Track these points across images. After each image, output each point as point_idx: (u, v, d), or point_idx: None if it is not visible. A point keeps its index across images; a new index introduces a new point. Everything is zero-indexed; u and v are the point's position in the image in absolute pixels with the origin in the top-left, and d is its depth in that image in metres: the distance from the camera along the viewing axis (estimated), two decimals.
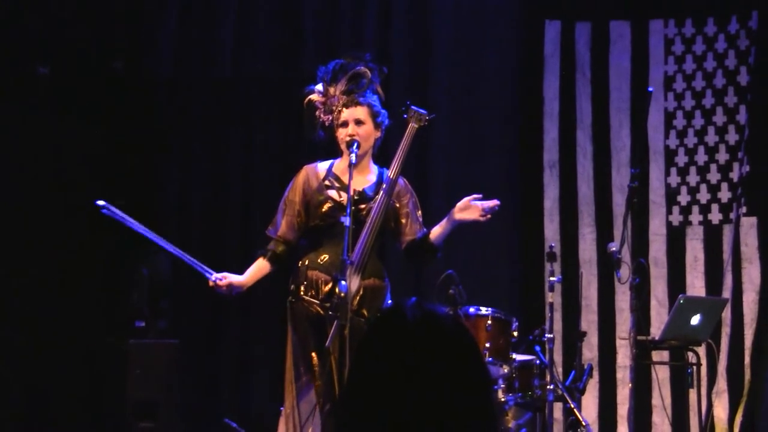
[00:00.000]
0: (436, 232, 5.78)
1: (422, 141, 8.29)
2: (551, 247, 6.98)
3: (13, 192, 8.04)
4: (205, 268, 5.79)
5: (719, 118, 8.37)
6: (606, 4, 8.64)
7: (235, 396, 8.38)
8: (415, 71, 8.58)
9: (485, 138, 8.55)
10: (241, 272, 5.87)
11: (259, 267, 5.84)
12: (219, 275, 5.77)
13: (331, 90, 5.80)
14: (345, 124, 5.74)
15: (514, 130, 8.64)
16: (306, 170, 5.88)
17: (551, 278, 6.82)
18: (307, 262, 5.71)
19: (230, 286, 5.79)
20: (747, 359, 8.05)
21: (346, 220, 5.42)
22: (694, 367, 7.34)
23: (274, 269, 5.84)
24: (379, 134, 5.83)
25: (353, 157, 5.60)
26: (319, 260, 5.68)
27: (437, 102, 8.37)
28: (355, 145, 5.65)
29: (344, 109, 5.75)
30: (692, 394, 7.54)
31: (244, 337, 8.39)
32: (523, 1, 8.66)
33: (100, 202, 5.70)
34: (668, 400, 8.04)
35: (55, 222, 8.12)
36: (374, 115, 5.78)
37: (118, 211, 5.71)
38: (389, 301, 5.73)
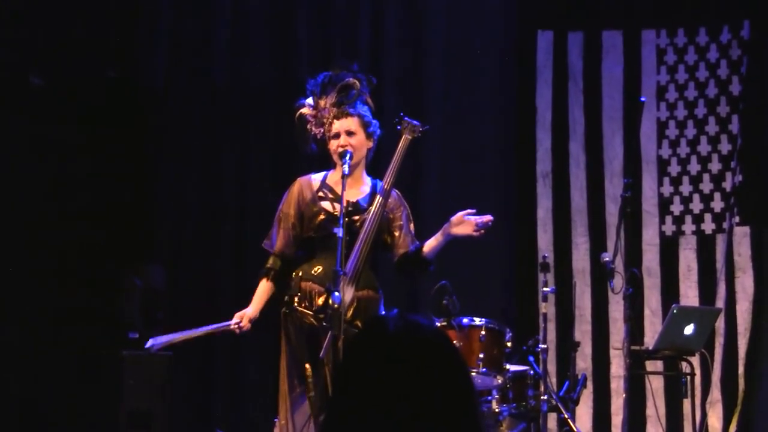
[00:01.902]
0: (430, 245, 5.78)
1: (416, 151, 8.29)
2: (544, 257, 6.97)
3: (2, 201, 8.04)
4: (224, 323, 5.80)
5: (712, 127, 8.38)
6: (598, 14, 8.65)
7: (229, 407, 8.37)
8: (408, 82, 8.58)
9: (479, 148, 8.55)
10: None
11: (264, 291, 5.84)
12: (236, 319, 5.77)
13: (321, 102, 5.81)
14: (337, 135, 5.75)
15: (507, 140, 8.64)
16: (299, 182, 5.88)
17: (544, 288, 6.81)
18: (300, 274, 5.72)
19: (249, 321, 5.79)
20: (741, 369, 8.05)
21: (339, 231, 5.43)
22: (688, 377, 7.32)
23: (277, 287, 5.83)
24: (371, 144, 5.83)
25: (346, 167, 5.61)
26: (312, 272, 5.68)
27: (430, 112, 8.37)
28: (348, 155, 5.66)
29: (335, 120, 5.75)
30: (686, 404, 7.55)
31: (238, 348, 8.38)
32: (516, 11, 8.66)
33: (148, 345, 5.78)
34: (662, 410, 8.04)
35: (48, 232, 8.10)
36: (365, 125, 5.79)
37: (163, 340, 5.82)
38: (382, 312, 5.74)
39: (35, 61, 8.26)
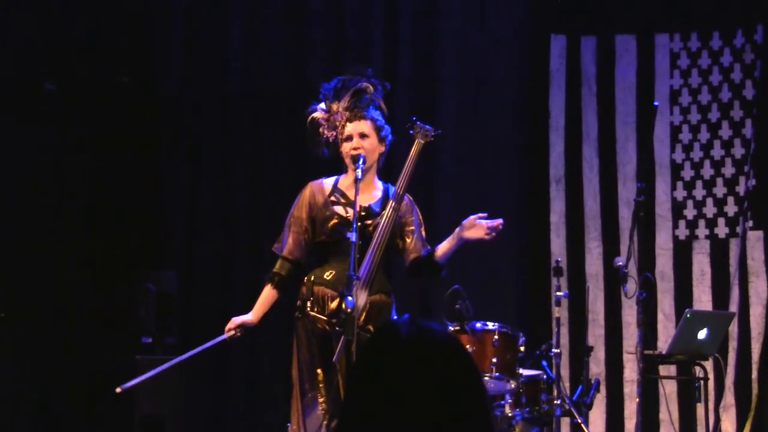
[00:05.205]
0: (442, 249, 5.78)
1: (429, 156, 8.29)
2: (557, 261, 6.96)
3: (19, 207, 8.07)
4: (217, 339, 5.79)
5: (725, 131, 8.37)
6: (611, 19, 8.64)
7: (243, 412, 8.38)
8: (421, 86, 8.59)
9: (491, 152, 8.55)
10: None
11: (267, 297, 5.83)
12: (229, 333, 5.78)
13: (334, 106, 5.81)
14: (349, 138, 5.76)
15: (520, 144, 8.64)
16: (311, 186, 5.88)
17: (558, 293, 6.79)
18: (313, 278, 5.71)
19: (241, 327, 5.78)
20: (754, 373, 8.03)
21: (353, 236, 5.42)
22: (702, 382, 7.33)
23: (281, 295, 5.83)
24: (383, 149, 5.83)
25: (359, 172, 5.61)
26: (325, 276, 5.68)
27: (443, 116, 8.38)
28: (361, 160, 5.67)
29: (348, 123, 5.76)
30: (700, 409, 7.53)
31: (251, 352, 8.39)
32: (529, 15, 8.67)
33: (118, 390, 5.79)
34: (676, 415, 8.03)
35: (61, 238, 8.13)
36: (378, 129, 5.79)
37: (134, 381, 5.85)
38: (394, 317, 5.74)
39: (50, 67, 8.29)
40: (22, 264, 8.01)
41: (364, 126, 5.76)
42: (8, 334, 7.87)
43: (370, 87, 5.83)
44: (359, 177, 5.60)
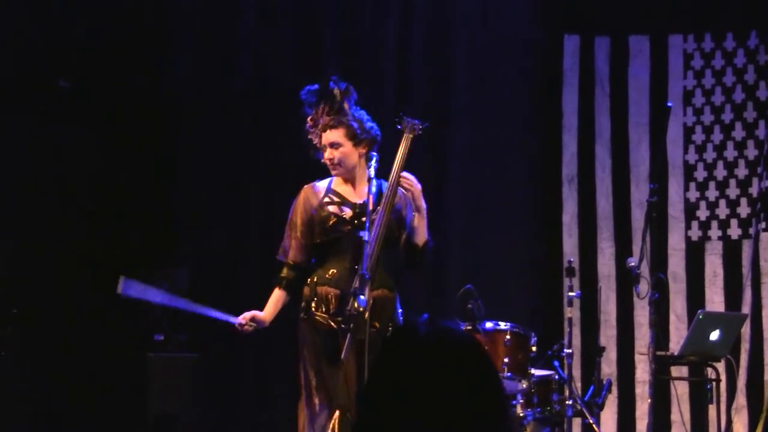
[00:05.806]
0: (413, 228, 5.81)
1: (441, 155, 8.32)
2: (570, 262, 6.97)
3: (30, 205, 8.09)
4: (228, 316, 5.82)
5: (738, 132, 8.35)
6: (625, 19, 8.63)
7: (254, 410, 8.38)
8: (434, 87, 8.58)
9: (504, 152, 8.54)
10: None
11: (277, 298, 5.88)
12: (241, 320, 5.81)
13: (317, 114, 5.85)
14: (324, 148, 5.81)
15: (533, 144, 8.63)
16: (305, 190, 5.92)
17: (570, 293, 6.81)
18: (315, 279, 5.74)
19: (254, 320, 5.80)
20: (766, 375, 8.02)
21: (366, 235, 5.45)
22: (714, 383, 7.32)
23: (291, 296, 5.86)
24: (364, 150, 5.83)
25: (372, 171, 5.67)
26: (327, 275, 5.71)
27: (456, 116, 8.38)
28: (374, 158, 5.72)
29: (322, 134, 5.82)
30: (712, 410, 7.53)
31: (262, 350, 8.40)
32: (542, 15, 8.66)
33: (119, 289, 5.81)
34: (687, 416, 8.02)
35: (73, 236, 8.14)
36: (351, 135, 5.80)
37: (136, 293, 5.86)
38: (399, 311, 5.76)
39: (50, 67, 8.30)
40: (22, 264, 8.02)
41: (335, 135, 5.80)
42: (8, 334, 7.88)
43: (337, 91, 5.85)
44: (371, 176, 5.66)
